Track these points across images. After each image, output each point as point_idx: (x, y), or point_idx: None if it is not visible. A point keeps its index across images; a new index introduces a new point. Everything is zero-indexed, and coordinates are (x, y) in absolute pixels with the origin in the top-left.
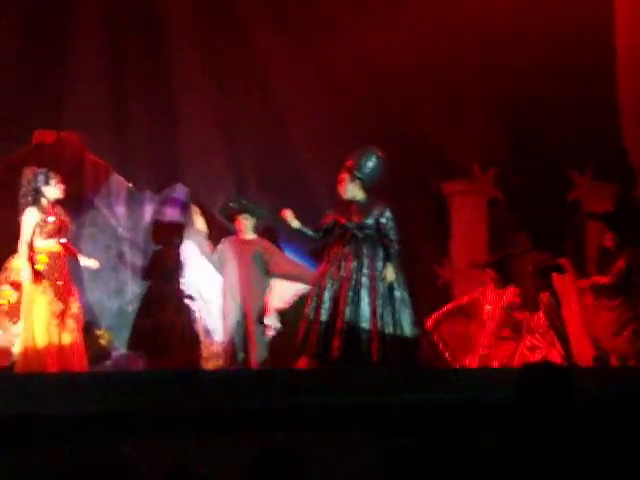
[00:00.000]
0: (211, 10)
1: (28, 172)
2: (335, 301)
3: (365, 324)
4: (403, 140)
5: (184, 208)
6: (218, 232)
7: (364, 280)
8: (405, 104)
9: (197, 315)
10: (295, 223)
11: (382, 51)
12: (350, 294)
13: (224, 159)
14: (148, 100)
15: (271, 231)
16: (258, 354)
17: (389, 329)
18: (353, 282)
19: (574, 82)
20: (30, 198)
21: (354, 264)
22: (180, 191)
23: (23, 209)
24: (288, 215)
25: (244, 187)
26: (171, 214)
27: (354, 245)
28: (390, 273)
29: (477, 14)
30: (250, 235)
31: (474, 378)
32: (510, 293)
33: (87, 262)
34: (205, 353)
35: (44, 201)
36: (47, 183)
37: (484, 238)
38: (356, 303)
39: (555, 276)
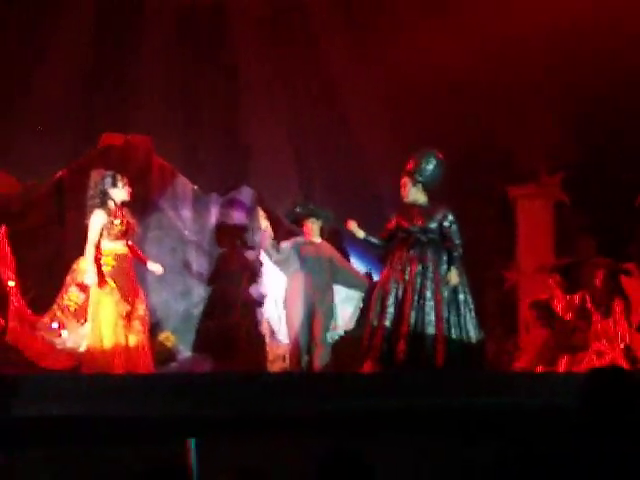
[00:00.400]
0: (278, 13)
1: (96, 175)
2: (400, 305)
3: (430, 328)
4: (468, 143)
5: (250, 211)
6: (284, 235)
7: (429, 284)
8: (471, 106)
9: (262, 317)
10: (360, 233)
11: (447, 53)
12: (415, 298)
13: (289, 162)
14: (215, 103)
15: (337, 234)
16: (321, 357)
17: (454, 333)
18: (418, 286)
19: None
20: (97, 200)
21: (418, 268)
22: (246, 194)
23: (90, 211)
24: (353, 226)
25: (309, 190)
26: (237, 217)
27: (418, 249)
28: (454, 277)
29: (544, 14)
30: (317, 238)
31: (543, 383)
32: (580, 298)
33: (153, 267)
34: (270, 355)
35: (111, 203)
36: (114, 185)
37: (550, 242)
38: (421, 307)
39: (624, 281)
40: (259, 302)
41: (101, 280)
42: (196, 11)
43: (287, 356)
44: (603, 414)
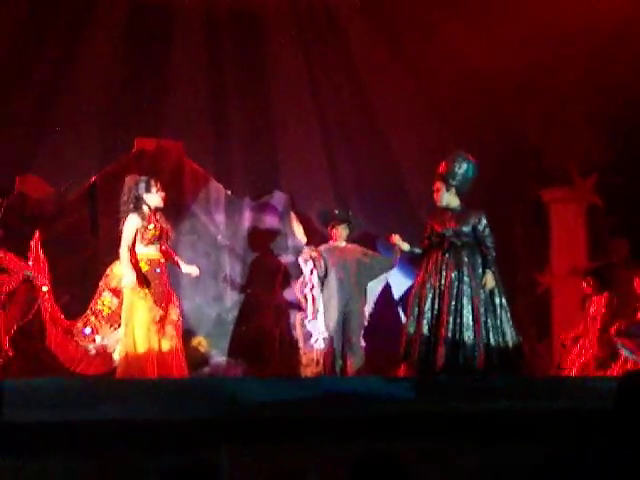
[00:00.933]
0: (309, 17)
1: (130, 180)
2: (437, 310)
3: (469, 333)
4: (501, 146)
5: (282, 215)
6: (317, 240)
7: (466, 289)
8: (502, 110)
9: (296, 322)
10: (405, 246)
11: (479, 56)
12: (453, 303)
13: (322, 166)
14: (247, 108)
15: (368, 237)
16: (355, 362)
17: (493, 337)
18: (455, 290)
19: None
20: (131, 205)
21: (454, 273)
22: (278, 198)
23: (124, 216)
24: (397, 240)
25: (342, 195)
26: (269, 221)
27: (453, 253)
28: (490, 280)
29: (577, 17)
30: (342, 243)
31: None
32: (606, 300)
33: (189, 269)
34: (304, 360)
35: (145, 208)
36: (148, 190)
37: (584, 245)
38: (459, 312)
39: None
40: (292, 306)
41: (139, 281)
42: (228, 16)
43: (321, 360)
44: (636, 418)
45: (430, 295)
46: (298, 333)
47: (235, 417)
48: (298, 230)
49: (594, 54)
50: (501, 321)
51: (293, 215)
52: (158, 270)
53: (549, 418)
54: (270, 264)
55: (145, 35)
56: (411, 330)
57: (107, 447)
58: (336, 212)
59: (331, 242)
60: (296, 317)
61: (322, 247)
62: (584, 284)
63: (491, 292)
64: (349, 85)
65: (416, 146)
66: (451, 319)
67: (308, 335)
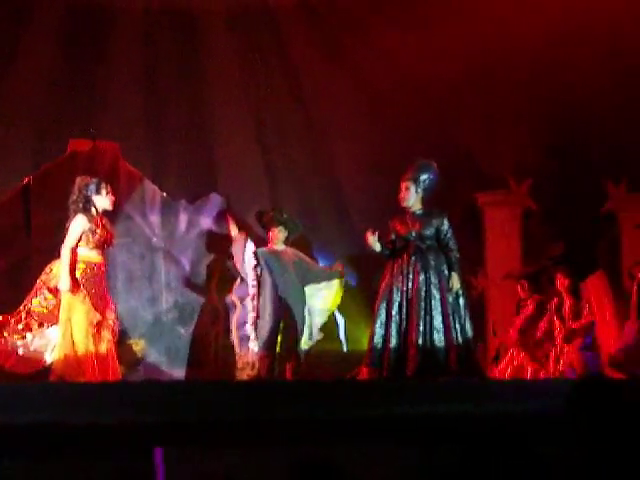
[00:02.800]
0: (247, 22)
1: (80, 180)
2: (406, 315)
3: (440, 336)
4: (437, 150)
5: (219, 218)
6: (255, 242)
7: (434, 292)
8: (439, 116)
9: (232, 325)
10: (377, 246)
11: (417, 58)
12: (422, 306)
13: (259, 169)
14: (183, 109)
15: (304, 240)
16: (295, 365)
17: (461, 338)
18: (423, 294)
19: (610, 93)
20: (80, 205)
21: (422, 276)
22: (215, 200)
23: (72, 215)
24: (371, 239)
25: (279, 197)
26: (205, 224)
27: (419, 257)
28: (456, 281)
29: (516, 22)
30: (280, 246)
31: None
32: (538, 303)
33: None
34: (239, 363)
35: (93, 210)
36: (98, 192)
37: (518, 249)
38: (429, 314)
39: (590, 288)
40: (228, 309)
41: (74, 286)
42: (165, 16)
43: (256, 364)
44: (588, 421)
45: (398, 299)
46: (234, 336)
47: (170, 421)
48: (234, 232)
49: (532, 60)
50: (465, 322)
51: (230, 217)
52: (98, 275)
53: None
54: (206, 267)
55: (81, 35)
56: (379, 334)
57: (40, 451)
58: (271, 214)
59: (269, 245)
60: (232, 320)
61: (262, 249)
62: (518, 287)
63: (457, 293)
64: (286, 87)
65: (353, 148)
66: (421, 323)
67: (244, 338)
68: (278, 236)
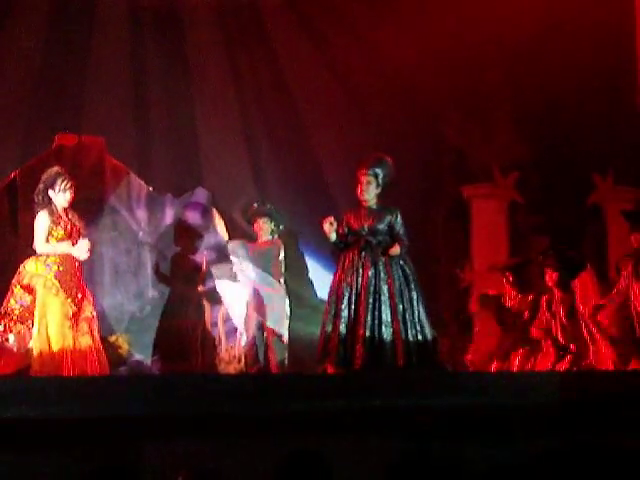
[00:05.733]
0: (230, 12)
1: (46, 172)
2: (355, 309)
3: (387, 329)
4: (422, 143)
5: (205, 212)
6: (239, 236)
7: (382, 286)
8: (425, 107)
9: (217, 319)
10: (333, 236)
11: (402, 53)
12: (370, 301)
13: (245, 163)
14: (169, 103)
15: (291, 234)
16: (277, 359)
17: (410, 331)
18: (372, 288)
19: (595, 86)
20: (41, 198)
21: (371, 271)
22: (201, 195)
23: (37, 211)
24: (328, 228)
25: (265, 192)
26: (192, 218)
27: (369, 252)
28: (396, 249)
29: (500, 20)
30: (266, 238)
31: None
32: (532, 296)
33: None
34: (226, 357)
35: (53, 206)
36: (52, 188)
37: (505, 241)
38: (377, 309)
39: (577, 281)
40: (214, 303)
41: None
42: (151, 10)
43: (242, 357)
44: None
45: (347, 294)
46: (220, 330)
47: (157, 414)
48: (220, 227)
49: (517, 53)
50: (418, 315)
51: (215, 212)
52: (69, 266)
53: (475, 413)
54: (192, 261)
55: (66, 29)
56: (328, 329)
57: (23, 446)
58: (255, 205)
59: (257, 238)
60: (218, 314)
61: (243, 243)
62: (504, 280)
63: (408, 287)
64: (272, 81)
65: (339, 143)
66: (369, 317)
67: (230, 331)
68: (264, 227)
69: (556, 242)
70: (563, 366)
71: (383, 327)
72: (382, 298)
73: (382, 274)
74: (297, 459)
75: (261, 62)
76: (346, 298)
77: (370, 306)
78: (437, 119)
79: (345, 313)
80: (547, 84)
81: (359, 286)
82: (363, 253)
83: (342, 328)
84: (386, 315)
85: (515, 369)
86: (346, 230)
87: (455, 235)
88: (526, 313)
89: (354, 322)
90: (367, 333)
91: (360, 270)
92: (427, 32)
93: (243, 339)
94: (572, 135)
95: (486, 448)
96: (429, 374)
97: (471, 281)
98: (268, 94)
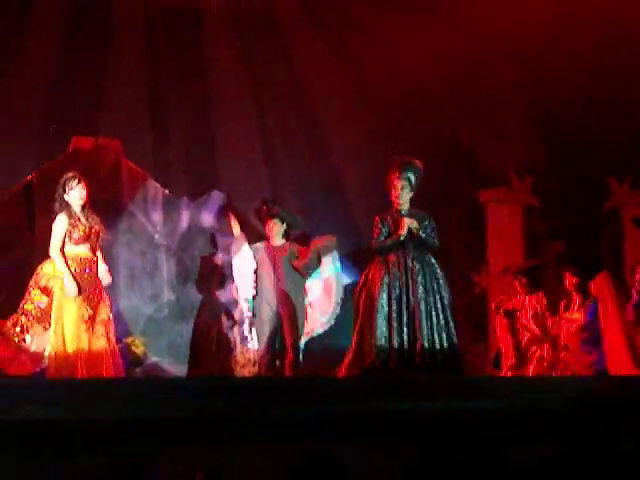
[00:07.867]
0: (248, 14)
1: (62, 178)
2: (407, 313)
3: (443, 333)
4: (438, 148)
5: (220, 215)
6: (254, 239)
7: (436, 288)
8: (441, 112)
9: (232, 322)
10: (404, 233)
11: (416, 57)
12: (423, 305)
13: (261, 166)
14: (185, 107)
15: (305, 236)
16: (293, 362)
17: (444, 337)
18: (423, 293)
19: (612, 90)
20: (58, 205)
21: (421, 277)
22: (216, 197)
23: (55, 217)
24: (409, 222)
25: (281, 194)
26: (207, 220)
27: (416, 255)
28: (408, 225)
29: (513, 22)
30: (278, 241)
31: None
32: (537, 300)
33: (102, 274)
34: (241, 360)
35: (71, 208)
36: (65, 191)
37: (520, 246)
38: (435, 314)
39: (594, 286)
40: (229, 306)
41: (79, 288)
42: (167, 13)
43: (257, 361)
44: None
45: (395, 296)
46: (235, 333)
47: (172, 418)
48: (236, 229)
49: (531, 56)
50: (452, 320)
51: (231, 214)
52: (88, 270)
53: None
54: (207, 263)
55: (83, 33)
56: (381, 332)
57: (36, 447)
58: (265, 208)
59: (268, 240)
60: (233, 317)
61: (258, 245)
62: (516, 283)
63: (440, 293)
64: (288, 83)
65: (354, 146)
66: (424, 321)
67: (245, 334)
68: (274, 229)
69: (572, 246)
70: (580, 370)
71: (441, 332)
72: (436, 303)
73: (432, 278)
74: (313, 462)
75: (277, 65)
76: (395, 301)
77: (425, 311)
78: (452, 123)
79: (404, 318)
80: (563, 86)
81: (407, 287)
82: (409, 257)
83: (397, 332)
84: (440, 319)
85: (531, 373)
86: (385, 233)
87: (470, 239)
88: (544, 315)
89: (411, 326)
90: (425, 339)
91: (409, 273)
92: (440, 35)
93: (255, 344)
94: (588, 139)
95: (504, 450)
96: (448, 378)
97: (487, 285)
98: (284, 97)
